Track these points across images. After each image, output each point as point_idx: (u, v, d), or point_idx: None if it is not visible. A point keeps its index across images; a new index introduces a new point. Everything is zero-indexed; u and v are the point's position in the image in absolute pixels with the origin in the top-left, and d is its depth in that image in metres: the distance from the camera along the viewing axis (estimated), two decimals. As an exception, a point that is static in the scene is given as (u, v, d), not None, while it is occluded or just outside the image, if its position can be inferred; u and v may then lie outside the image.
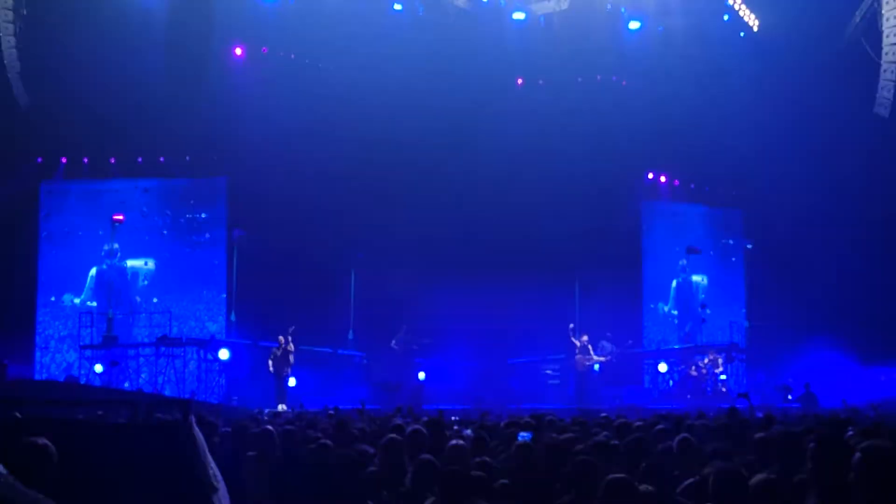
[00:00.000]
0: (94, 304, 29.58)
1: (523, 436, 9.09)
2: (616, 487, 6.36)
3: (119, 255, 29.72)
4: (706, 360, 29.10)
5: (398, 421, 11.77)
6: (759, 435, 9.11)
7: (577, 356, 27.58)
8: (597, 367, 28.04)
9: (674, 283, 33.14)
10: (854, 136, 29.09)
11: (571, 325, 28.05)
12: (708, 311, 31.40)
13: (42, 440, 5.64)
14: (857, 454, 4.95)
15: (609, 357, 28.18)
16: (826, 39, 29.73)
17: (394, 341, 28.27)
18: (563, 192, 29.67)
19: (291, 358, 25.79)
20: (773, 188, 30.42)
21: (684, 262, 32.78)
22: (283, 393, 25.35)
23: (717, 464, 5.96)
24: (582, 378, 27.43)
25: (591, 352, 27.81)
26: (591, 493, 7.14)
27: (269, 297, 28.02)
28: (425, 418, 12.31)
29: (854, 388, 26.25)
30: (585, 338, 27.79)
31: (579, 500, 7.17)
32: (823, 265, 29.71)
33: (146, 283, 30.17)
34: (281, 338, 25.78)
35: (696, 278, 33.20)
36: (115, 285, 29.42)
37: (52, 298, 30.01)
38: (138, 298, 30.04)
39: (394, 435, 8.98)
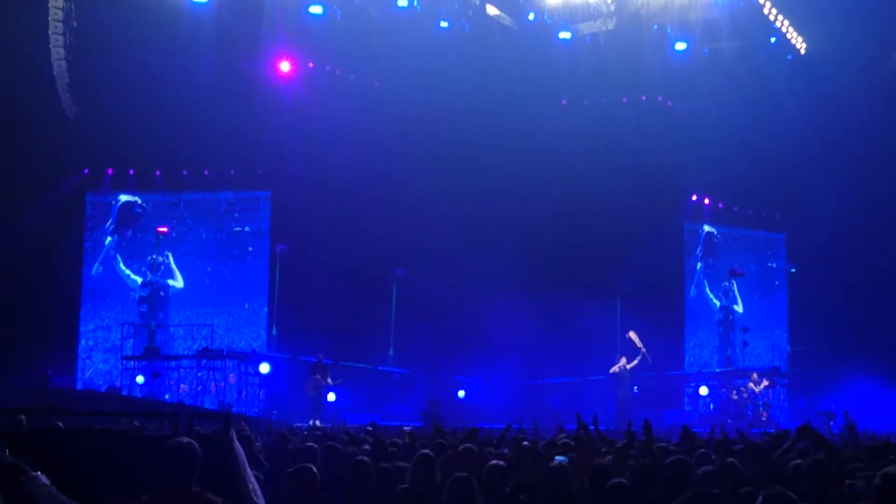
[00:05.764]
0: (137, 315, 29.81)
1: (560, 458, 9.03)
2: None
3: (162, 267, 29.88)
4: (748, 385, 28.82)
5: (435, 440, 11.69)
6: (795, 462, 8.88)
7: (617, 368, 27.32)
8: (635, 389, 27.83)
9: (717, 303, 33.00)
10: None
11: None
12: (747, 333, 31.22)
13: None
14: (877, 479, 4.89)
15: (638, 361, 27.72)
16: (873, 62, 29.50)
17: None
18: (606, 213, 29.60)
19: (329, 379, 25.83)
20: (818, 212, 30.16)
21: (727, 284, 32.64)
22: (319, 408, 25.32)
23: (768, 489, 5.83)
24: (622, 400, 27.20)
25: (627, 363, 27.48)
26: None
27: (310, 313, 28.04)
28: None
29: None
30: (623, 360, 27.48)
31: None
32: (868, 290, 29.41)
33: (189, 295, 30.35)
34: (318, 376, 25.79)
35: (736, 308, 33.05)
36: (157, 297, 29.60)
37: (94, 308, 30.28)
38: (182, 311, 30.22)
39: (426, 451, 8.95)
